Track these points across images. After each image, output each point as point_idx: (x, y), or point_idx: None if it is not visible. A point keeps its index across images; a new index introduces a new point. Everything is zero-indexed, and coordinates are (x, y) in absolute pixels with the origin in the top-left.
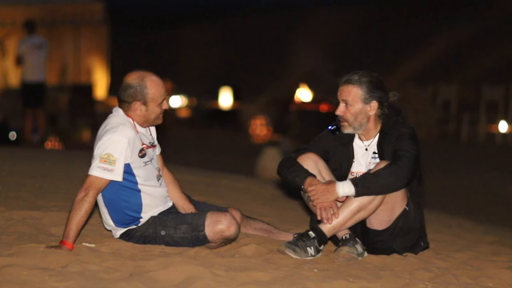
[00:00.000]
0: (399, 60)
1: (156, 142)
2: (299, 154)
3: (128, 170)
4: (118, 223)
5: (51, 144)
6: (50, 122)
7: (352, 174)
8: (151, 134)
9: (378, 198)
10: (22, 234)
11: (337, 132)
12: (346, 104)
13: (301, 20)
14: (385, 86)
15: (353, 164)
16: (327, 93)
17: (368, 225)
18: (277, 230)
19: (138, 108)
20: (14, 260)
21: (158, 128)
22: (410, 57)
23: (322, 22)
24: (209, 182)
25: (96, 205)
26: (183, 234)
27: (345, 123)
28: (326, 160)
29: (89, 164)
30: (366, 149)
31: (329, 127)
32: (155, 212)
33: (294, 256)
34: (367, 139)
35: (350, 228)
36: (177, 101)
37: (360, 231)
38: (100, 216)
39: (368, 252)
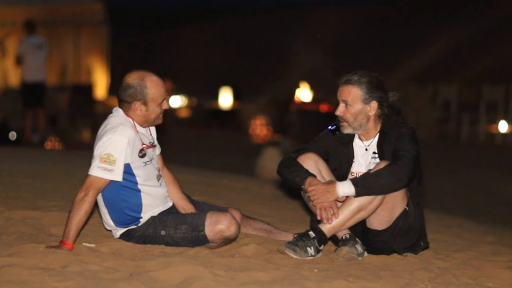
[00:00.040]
0: (399, 60)
1: (156, 142)
2: (299, 154)
3: (128, 170)
4: (118, 223)
5: (51, 144)
6: (50, 122)
7: (352, 174)
8: (151, 134)
9: (378, 198)
10: (22, 234)
11: (337, 132)
12: (346, 104)
13: (301, 20)
14: (385, 86)
15: (353, 164)
16: (327, 93)
17: (368, 225)
18: (277, 230)
19: (138, 108)
20: (14, 260)
21: (158, 128)
22: (410, 57)
23: (322, 22)
24: (209, 182)
25: (96, 205)
26: (183, 234)
27: (345, 123)
28: (326, 160)
29: (89, 164)
30: (366, 149)
31: (329, 127)
32: (155, 212)
33: (294, 256)
34: (367, 139)
35: (350, 228)
36: (177, 101)
37: (360, 231)
38: (100, 216)
39: (368, 252)
